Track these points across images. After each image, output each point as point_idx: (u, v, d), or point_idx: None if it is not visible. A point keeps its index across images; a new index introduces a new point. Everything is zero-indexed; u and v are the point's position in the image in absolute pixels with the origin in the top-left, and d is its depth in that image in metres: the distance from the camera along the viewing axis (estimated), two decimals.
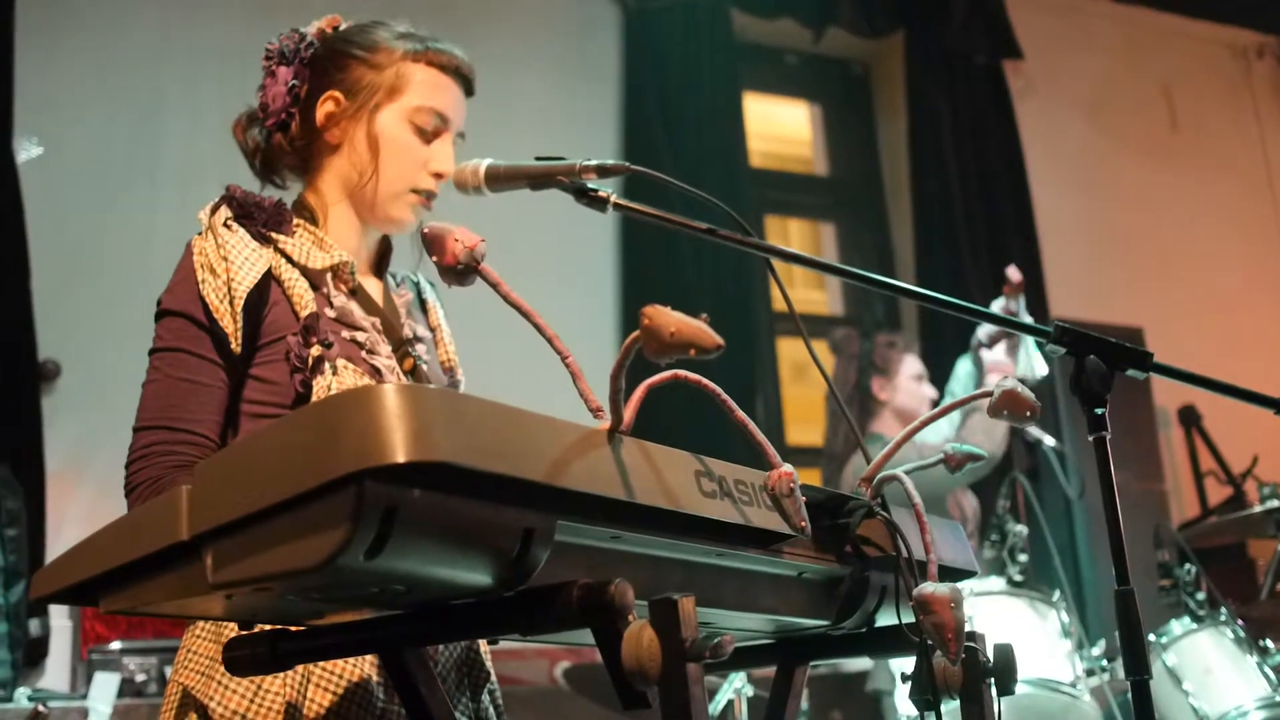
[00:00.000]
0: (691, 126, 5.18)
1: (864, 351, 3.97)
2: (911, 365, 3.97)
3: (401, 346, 1.72)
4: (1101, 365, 1.53)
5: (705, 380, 1.15)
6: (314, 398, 1.56)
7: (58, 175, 4.07)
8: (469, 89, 1.79)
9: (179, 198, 4.19)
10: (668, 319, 1.02)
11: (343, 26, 1.79)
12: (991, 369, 3.90)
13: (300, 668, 1.49)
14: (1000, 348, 3.96)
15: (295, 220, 1.70)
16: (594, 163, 1.53)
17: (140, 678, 3.33)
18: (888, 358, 3.95)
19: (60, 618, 3.71)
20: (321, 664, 1.50)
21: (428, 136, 1.74)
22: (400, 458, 0.90)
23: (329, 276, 1.67)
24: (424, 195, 1.74)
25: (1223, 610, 3.48)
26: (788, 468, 1.19)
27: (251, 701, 1.47)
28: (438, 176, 1.74)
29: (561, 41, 5.23)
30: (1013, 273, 4.08)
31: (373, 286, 1.77)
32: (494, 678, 1.69)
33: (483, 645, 1.69)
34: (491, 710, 1.67)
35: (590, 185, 1.54)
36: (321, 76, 1.74)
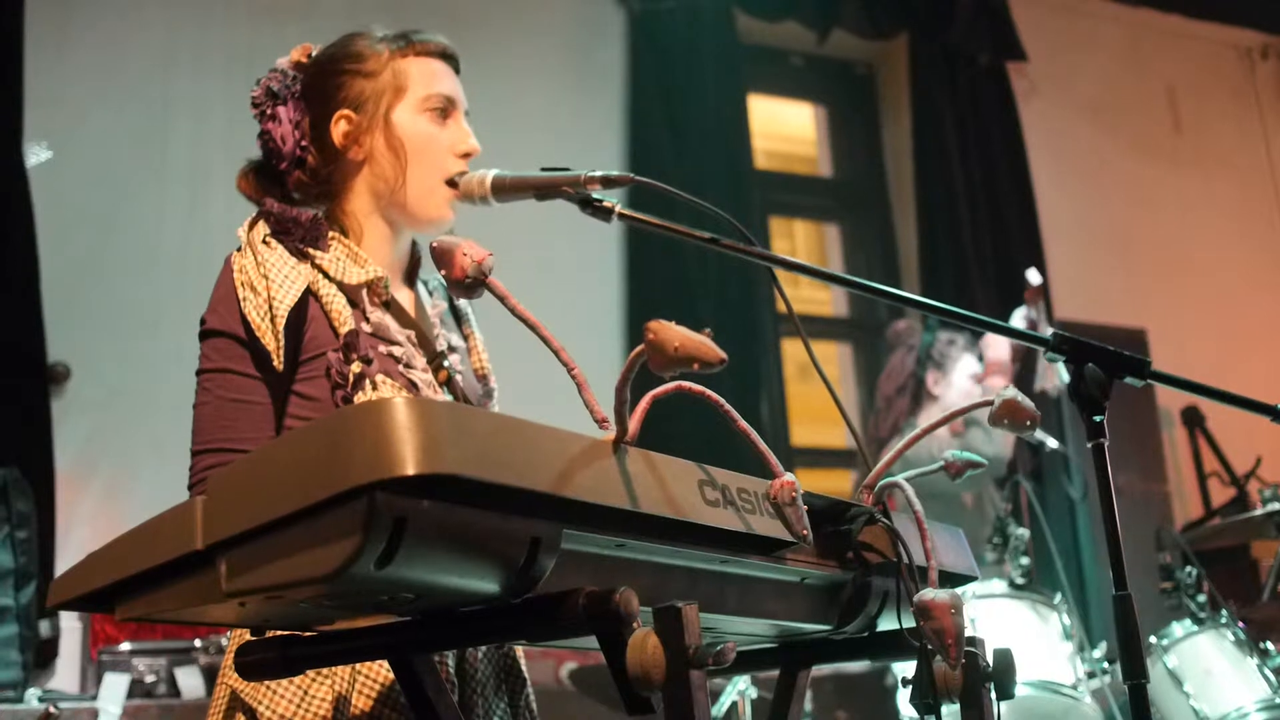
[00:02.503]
0: (696, 128, 5.19)
1: (924, 344, 3.99)
2: (969, 365, 3.98)
3: (436, 358, 1.73)
4: (1100, 373, 1.54)
5: (708, 391, 1.17)
6: None
7: (66, 177, 4.08)
8: (457, 68, 1.81)
9: (186, 199, 4.21)
10: (672, 334, 1.04)
11: (314, 52, 1.80)
12: (991, 368, 3.91)
13: (347, 673, 1.51)
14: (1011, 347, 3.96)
15: (330, 234, 1.71)
16: (599, 174, 1.55)
17: (149, 679, 3.36)
18: (946, 354, 3.97)
19: (70, 619, 3.72)
20: (367, 672, 1.52)
21: (443, 120, 1.76)
22: (410, 470, 0.92)
23: (364, 291, 1.68)
24: (456, 186, 1.72)
25: (1223, 612, 3.50)
26: (789, 477, 1.21)
27: (299, 706, 1.49)
28: (466, 156, 1.75)
29: (566, 44, 5.24)
30: (1033, 276, 4.00)
31: (404, 297, 1.78)
32: (529, 683, 1.72)
33: (518, 651, 1.71)
34: (527, 714, 1.70)
35: (595, 196, 1.56)
36: (320, 102, 1.75)
